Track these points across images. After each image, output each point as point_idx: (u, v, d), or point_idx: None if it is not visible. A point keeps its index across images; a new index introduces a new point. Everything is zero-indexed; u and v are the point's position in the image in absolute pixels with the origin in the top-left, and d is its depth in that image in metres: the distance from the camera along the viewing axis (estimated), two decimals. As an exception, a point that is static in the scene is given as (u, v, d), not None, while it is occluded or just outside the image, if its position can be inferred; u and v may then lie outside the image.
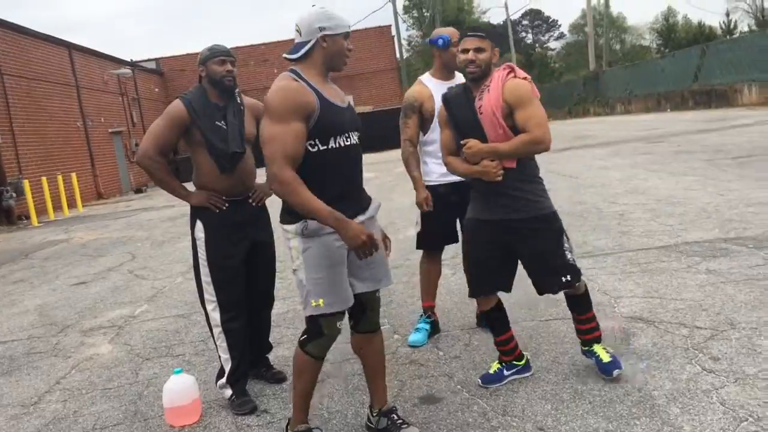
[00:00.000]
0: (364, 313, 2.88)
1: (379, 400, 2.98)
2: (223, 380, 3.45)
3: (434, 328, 4.21)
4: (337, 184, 2.64)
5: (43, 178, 17.29)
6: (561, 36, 70.46)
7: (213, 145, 3.29)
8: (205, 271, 3.42)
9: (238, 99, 3.50)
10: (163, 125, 3.36)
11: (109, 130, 25.00)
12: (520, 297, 4.62)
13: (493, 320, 3.39)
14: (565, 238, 3.19)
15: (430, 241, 4.15)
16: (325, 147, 2.62)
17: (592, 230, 6.54)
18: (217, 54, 3.36)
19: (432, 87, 3.99)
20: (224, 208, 3.38)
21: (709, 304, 4.01)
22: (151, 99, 31.15)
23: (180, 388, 3.32)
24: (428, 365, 3.70)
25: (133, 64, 30.32)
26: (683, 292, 4.31)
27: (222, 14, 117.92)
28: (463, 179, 3.50)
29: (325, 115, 2.61)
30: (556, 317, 4.17)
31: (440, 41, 3.93)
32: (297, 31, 2.72)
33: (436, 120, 3.84)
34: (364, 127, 2.88)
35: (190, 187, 3.56)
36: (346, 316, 2.83)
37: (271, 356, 3.96)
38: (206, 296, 3.44)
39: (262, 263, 3.61)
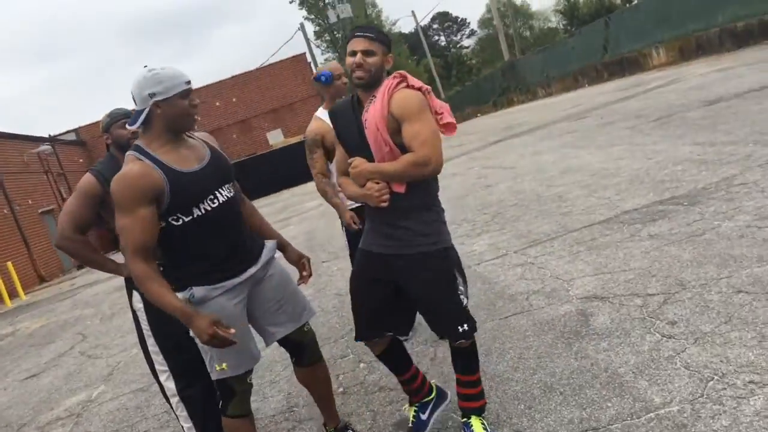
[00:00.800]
0: (302, 349, 2.98)
1: (332, 419, 3.20)
2: (191, 451, 3.30)
3: None
4: (218, 246, 2.61)
5: (-23, 274, 16.56)
6: (472, 33, 71.86)
7: None
8: (150, 341, 3.27)
9: (151, 160, 3.38)
10: (77, 203, 3.21)
11: (39, 211, 24.23)
12: (478, 299, 4.63)
13: (389, 362, 2.94)
14: (459, 279, 2.67)
15: None
16: (191, 217, 2.54)
17: (534, 217, 6.61)
18: (117, 118, 3.25)
19: (329, 119, 3.88)
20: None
21: (657, 269, 4.07)
22: (78, 171, 30.32)
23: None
24: (397, 389, 3.61)
25: (52, 139, 29.50)
26: (630, 261, 4.37)
27: (135, 71, 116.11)
28: None
29: (177, 189, 2.49)
30: (515, 312, 4.16)
31: (323, 78, 4.09)
32: (132, 99, 2.57)
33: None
34: (299, 157, 2.97)
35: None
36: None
37: (238, 413, 3.82)
38: (157, 367, 3.30)
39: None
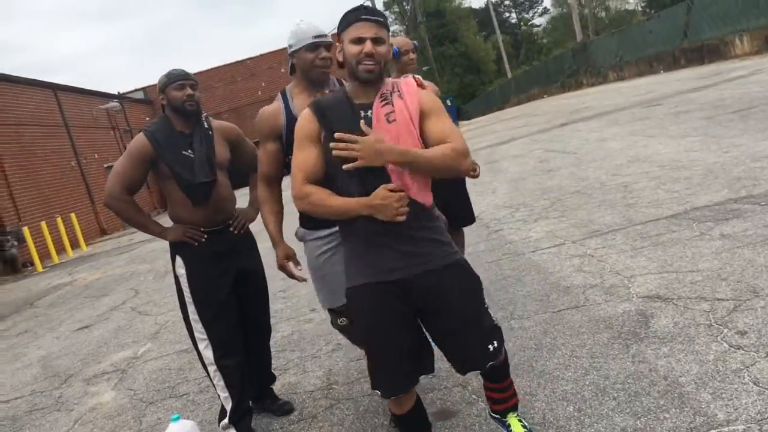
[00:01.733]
0: None
1: None
2: (226, 420, 3.25)
3: None
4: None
5: (43, 223, 17.17)
6: (545, 11, 70.02)
7: (180, 176, 3.10)
8: (191, 309, 3.23)
9: (206, 124, 3.30)
10: (126, 163, 3.17)
11: (105, 165, 24.91)
12: (531, 288, 4.44)
13: (416, 423, 2.49)
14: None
15: None
16: None
17: (597, 207, 6.31)
18: (174, 79, 3.16)
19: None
20: (203, 240, 3.19)
21: (728, 273, 3.79)
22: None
23: (180, 436, 3.13)
24: (439, 376, 3.48)
25: (120, 97, 30.24)
26: (699, 262, 4.09)
27: (205, 32, 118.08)
28: None
29: (291, 131, 2.47)
30: (569, 306, 3.96)
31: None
32: None
33: None
34: None
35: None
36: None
37: (276, 386, 3.77)
38: (196, 335, 3.25)
39: (251, 293, 3.41)
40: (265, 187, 2.94)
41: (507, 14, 69.90)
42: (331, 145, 2.11)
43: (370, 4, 35.52)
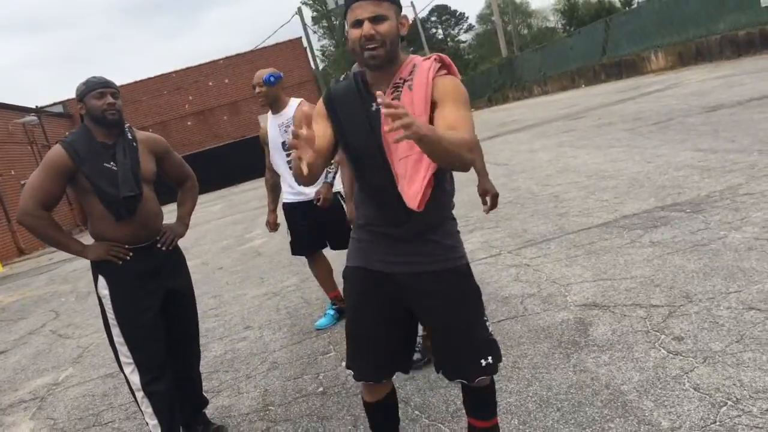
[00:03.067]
0: None
1: None
2: (155, 449, 3.05)
3: (341, 312, 4.61)
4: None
5: (-47, 243, 16.15)
6: (470, 28, 71.46)
7: (102, 190, 2.89)
8: (116, 331, 3.01)
9: (129, 135, 3.11)
10: (42, 176, 2.92)
11: (21, 182, 23.63)
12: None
13: (385, 415, 2.40)
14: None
15: (298, 248, 4.73)
16: None
17: (530, 216, 6.38)
18: (93, 87, 2.96)
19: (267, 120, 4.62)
20: (128, 258, 2.98)
21: (661, 279, 3.86)
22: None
23: (105, 469, 2.92)
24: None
25: (38, 111, 28.91)
26: (632, 269, 4.16)
27: (129, 46, 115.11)
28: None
29: None
30: (509, 316, 3.94)
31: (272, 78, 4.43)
32: None
33: (270, 146, 4.54)
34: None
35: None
36: None
37: (209, 409, 3.58)
38: (122, 358, 3.03)
39: (180, 313, 3.22)
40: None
41: (434, 30, 70.99)
42: (385, 112, 1.66)
43: (300, 19, 34.91)
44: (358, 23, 2.00)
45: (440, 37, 71.40)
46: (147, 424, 3.09)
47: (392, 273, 2.13)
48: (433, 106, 2.01)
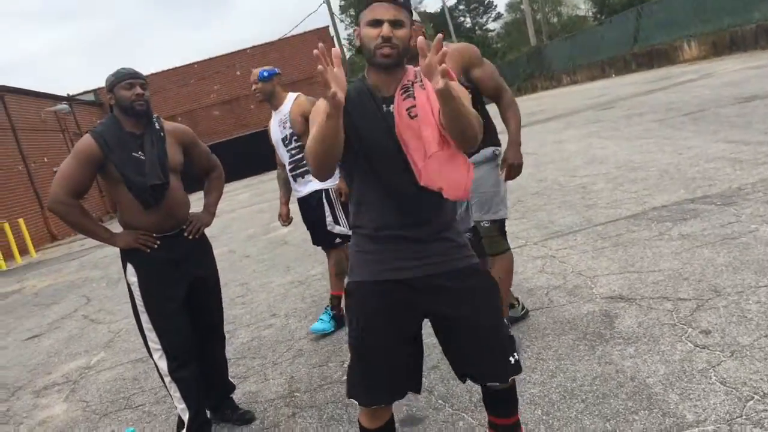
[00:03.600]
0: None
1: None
2: (184, 432, 3.12)
3: (338, 322, 4.55)
4: None
5: (-11, 229, 16.54)
6: (499, 16, 70.79)
7: (130, 179, 2.95)
8: (144, 317, 3.08)
9: (157, 125, 3.16)
10: (72, 165, 2.99)
11: (54, 169, 24.12)
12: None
13: None
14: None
15: (315, 241, 4.77)
16: None
17: (557, 208, 6.35)
18: (122, 78, 3.02)
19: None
20: (155, 246, 3.04)
21: (689, 272, 3.82)
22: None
23: (136, 450, 2.99)
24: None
25: (70, 99, 29.37)
26: (660, 262, 4.12)
27: (158, 35, 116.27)
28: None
29: None
30: (533, 308, 3.93)
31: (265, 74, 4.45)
32: None
33: (274, 142, 4.59)
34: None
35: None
36: None
37: (236, 394, 3.65)
38: (150, 344, 3.11)
39: (206, 300, 3.28)
40: None
41: (462, 18, 70.46)
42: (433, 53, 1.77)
43: (327, 8, 34.95)
44: (377, 23, 2.00)
45: (468, 25, 70.84)
46: (176, 407, 3.17)
47: (409, 279, 2.04)
48: None
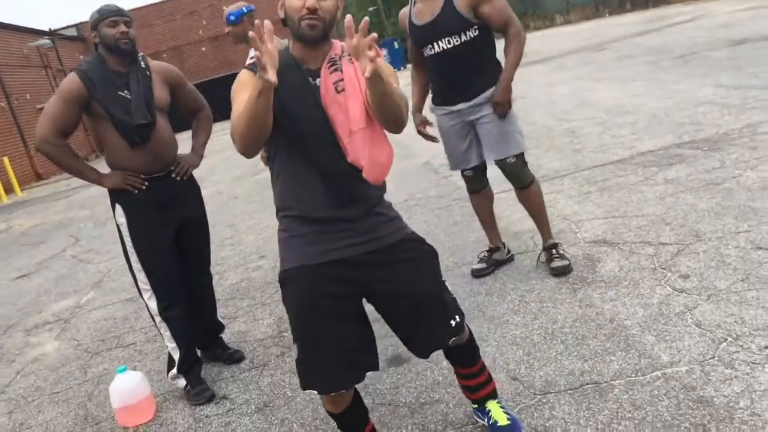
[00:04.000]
0: (507, 176, 3.62)
1: (543, 234, 3.69)
2: (174, 371, 3.19)
3: None
4: (436, 81, 3.72)
5: (-27, 167, 16.40)
6: (492, -48, 69.05)
7: (116, 117, 2.93)
8: (134, 258, 3.11)
9: (143, 64, 3.12)
10: (58, 104, 2.96)
11: (38, 106, 23.73)
12: (480, 233, 4.46)
13: (355, 418, 2.23)
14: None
15: None
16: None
17: (545, 152, 6.36)
18: (106, 15, 2.96)
19: None
20: (143, 187, 3.04)
21: (672, 217, 3.88)
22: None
23: (127, 387, 3.06)
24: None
25: (52, 33, 28.69)
26: (644, 207, 4.17)
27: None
28: None
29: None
30: (519, 251, 4.00)
31: (231, 17, 4.10)
32: None
33: None
34: None
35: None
36: None
37: (226, 334, 3.72)
38: (140, 285, 3.15)
39: (194, 241, 3.30)
40: (414, 67, 3.73)
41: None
42: (354, 41, 1.72)
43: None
44: None
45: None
46: (167, 346, 3.23)
47: (344, 259, 1.98)
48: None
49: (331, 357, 2.00)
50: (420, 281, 2.07)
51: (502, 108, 3.43)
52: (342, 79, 1.94)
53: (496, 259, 3.81)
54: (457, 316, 2.13)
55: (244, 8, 4.24)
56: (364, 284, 2.05)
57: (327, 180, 1.97)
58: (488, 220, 3.88)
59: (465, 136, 3.58)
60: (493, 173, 3.71)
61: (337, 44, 2.03)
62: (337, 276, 1.99)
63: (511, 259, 3.86)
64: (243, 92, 1.88)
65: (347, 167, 1.96)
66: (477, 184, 3.75)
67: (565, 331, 2.92)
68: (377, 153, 1.96)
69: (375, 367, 2.12)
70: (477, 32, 3.38)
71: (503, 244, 3.87)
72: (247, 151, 1.87)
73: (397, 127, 1.93)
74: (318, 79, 1.96)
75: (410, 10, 3.55)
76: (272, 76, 1.67)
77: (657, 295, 3.02)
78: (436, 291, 2.11)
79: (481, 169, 3.70)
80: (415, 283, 2.06)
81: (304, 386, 2.06)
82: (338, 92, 1.94)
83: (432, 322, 2.09)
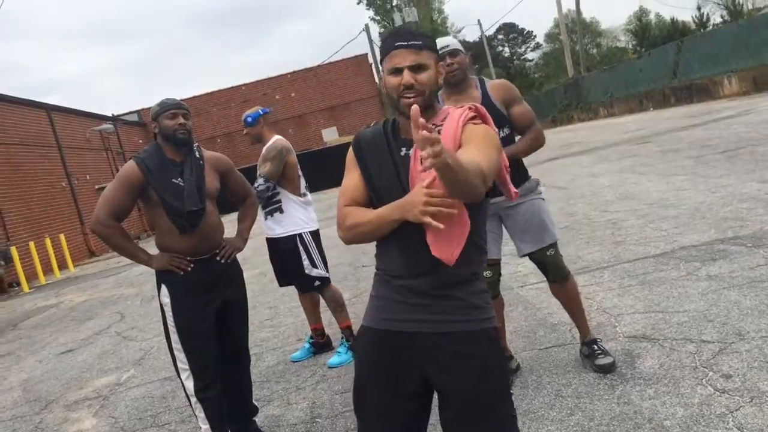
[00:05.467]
0: (545, 267, 3.57)
1: (581, 330, 3.63)
2: (207, 453, 3.21)
3: (318, 348, 4.96)
4: None
5: (31, 243, 17.06)
6: (537, 46, 70.92)
7: (169, 204, 3.11)
8: (174, 338, 3.21)
9: (197, 153, 3.32)
10: (115, 189, 3.17)
11: (96, 187, 24.82)
12: (518, 324, 4.43)
13: None
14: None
15: (283, 282, 4.92)
16: None
17: (585, 243, 6.35)
18: (166, 108, 3.19)
19: None
20: (188, 269, 3.18)
21: (714, 314, 3.81)
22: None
23: (160, 468, 3.09)
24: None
25: (114, 119, 30.29)
26: (685, 302, 4.11)
27: (200, 57, 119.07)
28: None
29: None
30: (556, 344, 3.96)
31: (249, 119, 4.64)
32: None
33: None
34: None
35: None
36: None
37: (259, 417, 3.73)
38: (179, 364, 3.23)
39: (234, 322, 3.40)
40: None
41: (500, 48, 70.79)
42: (419, 135, 1.57)
43: (366, 36, 35.25)
44: (397, 71, 1.94)
45: (506, 55, 71.11)
46: (200, 428, 3.26)
47: (410, 333, 1.92)
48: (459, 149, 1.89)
49: (373, 427, 1.97)
50: (481, 388, 1.88)
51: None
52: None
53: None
54: None
55: (260, 110, 4.64)
56: (422, 364, 1.93)
57: (405, 248, 1.93)
58: (499, 326, 3.80)
59: (494, 226, 3.53)
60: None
61: (442, 112, 2.02)
62: (396, 349, 1.94)
63: (517, 369, 3.68)
64: (346, 174, 2.06)
65: (421, 239, 1.88)
66: (492, 291, 3.52)
67: (602, 429, 2.85)
68: (447, 235, 1.83)
69: None
70: (509, 131, 3.51)
71: (511, 356, 3.73)
72: (351, 243, 2.01)
73: (470, 198, 1.81)
74: (411, 150, 1.95)
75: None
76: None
77: (698, 395, 2.94)
78: (496, 404, 1.90)
79: (498, 273, 3.60)
80: (475, 389, 1.88)
81: None
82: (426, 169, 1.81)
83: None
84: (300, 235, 4.57)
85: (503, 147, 3.28)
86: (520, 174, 3.50)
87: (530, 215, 3.50)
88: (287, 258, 4.62)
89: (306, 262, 4.56)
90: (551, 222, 3.57)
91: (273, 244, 4.72)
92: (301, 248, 4.55)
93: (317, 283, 4.63)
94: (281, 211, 4.59)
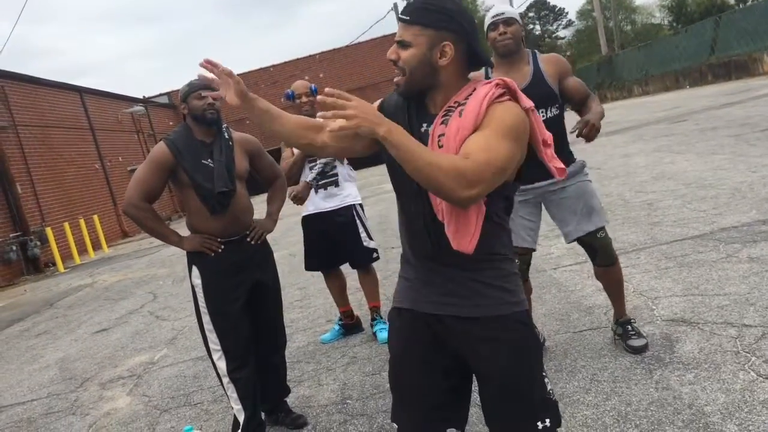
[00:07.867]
0: (594, 251, 3.44)
1: (618, 313, 3.54)
2: (238, 433, 3.22)
3: (347, 329, 4.89)
4: None
5: (66, 224, 17.37)
6: (569, 24, 69.64)
7: (199, 185, 3.09)
8: (206, 318, 3.20)
9: (226, 134, 3.30)
10: (146, 170, 3.16)
11: (128, 168, 25.14)
12: (552, 307, 4.36)
13: None
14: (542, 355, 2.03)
15: (310, 265, 4.79)
16: None
17: (621, 224, 6.21)
18: (195, 88, 3.16)
19: None
20: (219, 250, 3.16)
21: (756, 297, 3.69)
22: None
23: (192, 448, 3.10)
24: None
25: (145, 101, 30.56)
26: (726, 285, 3.99)
27: (230, 39, 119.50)
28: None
29: None
30: (591, 327, 3.88)
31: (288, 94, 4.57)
32: None
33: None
34: None
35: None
36: None
37: (290, 398, 3.73)
38: (210, 345, 3.23)
39: (266, 304, 3.38)
40: None
41: (531, 26, 69.71)
42: (319, 98, 1.62)
43: (395, 15, 35.19)
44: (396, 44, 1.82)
45: (537, 33, 70.02)
46: (232, 408, 3.27)
47: (440, 315, 1.86)
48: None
49: (410, 404, 1.93)
50: (511, 369, 1.81)
51: (596, 132, 3.21)
52: (444, 134, 1.75)
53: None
54: (547, 420, 1.83)
55: (312, 86, 4.56)
56: (455, 344, 1.88)
57: (413, 228, 1.87)
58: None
59: (532, 213, 3.44)
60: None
61: (468, 88, 1.81)
62: (427, 328, 1.90)
63: (545, 351, 3.61)
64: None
65: (434, 222, 1.80)
66: (522, 275, 3.43)
67: (640, 415, 2.78)
68: (463, 221, 1.74)
69: (460, 428, 1.93)
70: (558, 111, 3.39)
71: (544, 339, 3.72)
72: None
73: (446, 200, 1.70)
74: (430, 126, 1.80)
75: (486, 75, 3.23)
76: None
77: (740, 381, 2.85)
78: (525, 387, 1.82)
79: (526, 262, 3.50)
80: (506, 370, 1.81)
81: (392, 419, 2.01)
82: (439, 147, 1.74)
83: (516, 415, 1.83)
84: (355, 206, 4.56)
85: (556, 128, 3.18)
86: (563, 156, 3.27)
87: (578, 198, 3.36)
88: (346, 230, 4.55)
89: (363, 234, 4.55)
90: (600, 205, 3.44)
91: (326, 218, 4.55)
92: (357, 220, 4.54)
93: (375, 255, 4.61)
94: (336, 185, 4.57)
